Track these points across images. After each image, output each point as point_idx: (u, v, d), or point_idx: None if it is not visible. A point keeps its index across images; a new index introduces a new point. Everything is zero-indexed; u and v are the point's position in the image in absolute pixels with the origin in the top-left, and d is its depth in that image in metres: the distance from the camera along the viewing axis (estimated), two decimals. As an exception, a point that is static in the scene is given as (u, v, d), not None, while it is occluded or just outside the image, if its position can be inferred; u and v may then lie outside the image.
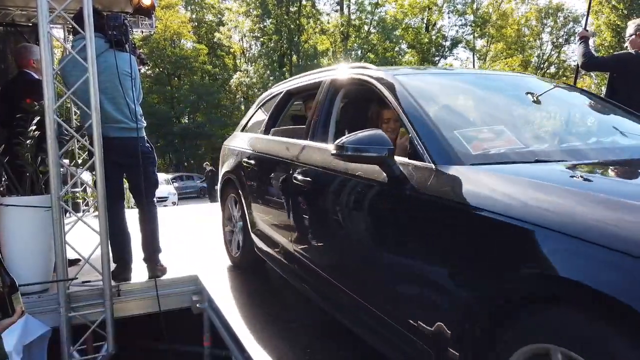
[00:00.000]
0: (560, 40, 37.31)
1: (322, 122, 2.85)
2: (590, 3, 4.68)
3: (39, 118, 3.50)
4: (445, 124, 2.06)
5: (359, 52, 35.11)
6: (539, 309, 1.39)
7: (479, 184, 1.67)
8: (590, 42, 4.34)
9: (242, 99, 38.72)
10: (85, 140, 3.55)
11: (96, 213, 3.63)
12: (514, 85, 2.88)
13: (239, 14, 36.90)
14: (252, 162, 3.58)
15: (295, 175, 2.79)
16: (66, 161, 3.81)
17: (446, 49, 38.78)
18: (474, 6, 38.52)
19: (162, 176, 19.33)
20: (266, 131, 3.69)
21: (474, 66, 37.89)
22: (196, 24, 39.21)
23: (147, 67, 31.09)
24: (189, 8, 39.31)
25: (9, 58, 6.01)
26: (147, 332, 3.86)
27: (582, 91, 3.08)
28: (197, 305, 3.77)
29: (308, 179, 2.67)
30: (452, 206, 1.68)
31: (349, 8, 38.52)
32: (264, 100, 4.16)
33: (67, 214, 3.86)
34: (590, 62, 4.30)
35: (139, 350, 4.07)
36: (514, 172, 1.71)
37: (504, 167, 1.78)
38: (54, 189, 3.37)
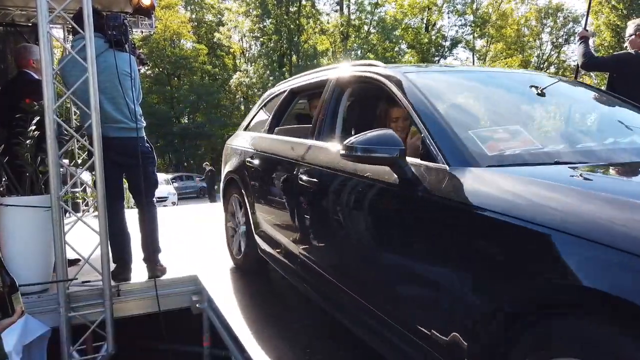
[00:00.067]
0: (560, 40, 37.33)
1: (328, 121, 2.77)
2: (590, 3, 4.67)
3: (38, 118, 3.50)
4: (458, 124, 1.97)
5: (359, 52, 35.09)
6: (562, 320, 1.32)
7: (498, 188, 1.58)
8: (590, 42, 4.33)
9: (241, 99, 38.73)
10: (85, 140, 3.55)
11: (96, 213, 3.63)
12: (526, 83, 2.74)
13: (238, 14, 36.89)
14: (256, 161, 3.51)
15: (300, 175, 2.72)
16: (66, 161, 3.81)
17: (446, 49, 38.80)
18: (474, 6, 38.53)
19: (161, 176, 19.35)
20: (270, 130, 3.61)
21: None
22: (196, 24, 39.22)
23: (146, 67, 31.06)
24: (189, 8, 39.34)
25: (8, 58, 6.01)
26: (147, 332, 3.86)
27: (595, 89, 2.98)
28: (197, 305, 3.77)
29: (314, 179, 2.60)
30: (469, 211, 1.59)
31: (349, 8, 38.53)
32: (267, 99, 4.07)
33: (67, 214, 3.86)
34: (590, 62, 4.30)
35: (139, 351, 4.07)
36: (534, 175, 1.61)
37: (523, 170, 1.69)
38: (53, 189, 3.36)
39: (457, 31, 39.73)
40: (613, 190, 1.45)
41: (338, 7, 38.65)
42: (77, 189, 6.42)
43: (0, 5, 5.65)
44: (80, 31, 3.41)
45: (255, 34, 37.18)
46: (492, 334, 1.48)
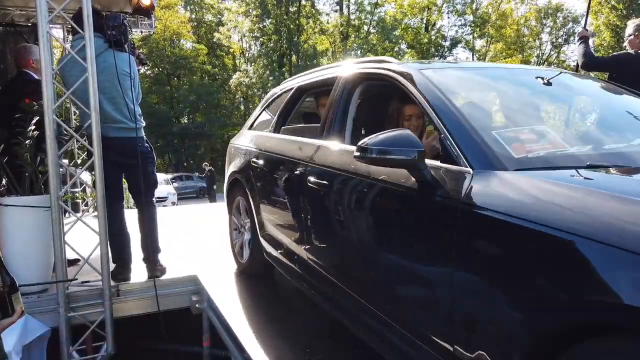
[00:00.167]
0: (560, 40, 37.36)
1: (338, 120, 2.64)
2: (589, 3, 4.67)
3: (38, 118, 3.49)
4: (480, 123, 1.85)
5: (359, 52, 35.10)
6: (601, 343, 1.21)
7: (529, 194, 1.47)
8: (590, 42, 4.33)
9: (241, 99, 38.76)
10: (85, 141, 3.55)
11: (95, 213, 3.63)
12: (552, 82, 2.61)
13: (238, 14, 36.92)
14: (262, 162, 3.36)
15: (309, 177, 2.59)
16: (65, 161, 3.81)
17: (445, 49, 38.81)
18: (474, 6, 38.56)
19: (161, 176, 19.34)
20: (276, 129, 3.48)
21: (473, 66, 37.85)
22: (195, 24, 39.24)
23: (146, 68, 31.00)
24: (189, 8, 39.35)
25: (8, 58, 6.01)
26: (146, 332, 3.86)
27: (616, 85, 2.82)
28: (197, 305, 3.76)
29: (324, 181, 2.46)
30: (498, 219, 1.45)
31: (349, 8, 38.55)
32: (273, 97, 3.93)
33: (67, 214, 3.86)
34: (590, 62, 4.30)
35: (139, 351, 4.07)
36: (571, 181, 1.49)
37: (555, 174, 1.56)
38: (53, 189, 3.36)
39: (456, 31, 39.81)
40: None
41: (338, 7, 38.68)
42: (76, 189, 6.42)
43: (-1, 5, 5.65)
44: (80, 31, 3.41)
45: (255, 34, 37.20)
46: (519, 355, 1.37)
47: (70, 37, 5.58)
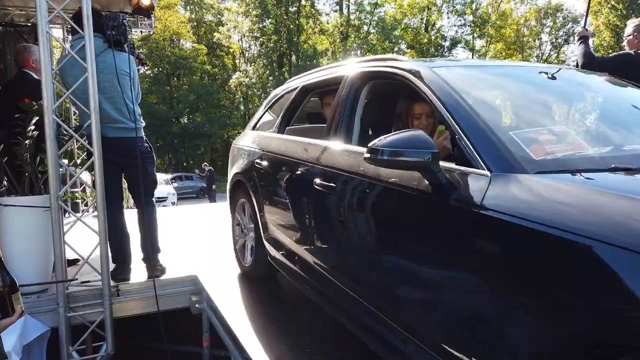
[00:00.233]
0: (560, 40, 37.39)
1: (345, 120, 2.55)
2: (589, 3, 4.65)
3: (37, 118, 3.49)
4: (497, 124, 1.77)
5: (358, 52, 35.10)
6: None
7: (555, 199, 1.39)
8: (590, 42, 4.31)
9: (241, 99, 38.76)
10: (84, 141, 3.55)
11: (95, 213, 3.63)
12: (566, 80, 2.55)
13: (238, 14, 36.94)
14: (265, 163, 3.26)
15: (315, 179, 2.50)
16: (65, 161, 3.81)
17: (445, 49, 38.81)
18: (473, 6, 38.57)
19: (161, 176, 19.34)
20: (280, 130, 3.39)
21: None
22: (195, 24, 39.24)
23: (146, 68, 31.04)
24: (188, 8, 39.34)
25: (8, 58, 6.01)
26: (146, 332, 3.86)
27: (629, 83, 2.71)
28: (196, 305, 3.76)
29: (331, 184, 2.38)
30: (522, 225, 1.37)
31: (349, 8, 38.57)
32: (277, 97, 3.84)
33: (66, 214, 3.86)
34: (590, 63, 4.27)
35: (138, 351, 4.07)
36: (595, 185, 1.42)
37: (579, 178, 1.50)
38: (52, 189, 3.36)
39: (456, 31, 39.84)
40: None
41: (338, 7, 38.69)
42: (76, 189, 6.42)
43: (-1, 5, 5.65)
44: (80, 31, 3.40)
45: (255, 34, 37.22)
46: None
47: (70, 37, 5.58)
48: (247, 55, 40.12)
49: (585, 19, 4.64)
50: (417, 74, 2.15)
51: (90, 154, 3.50)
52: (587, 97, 2.40)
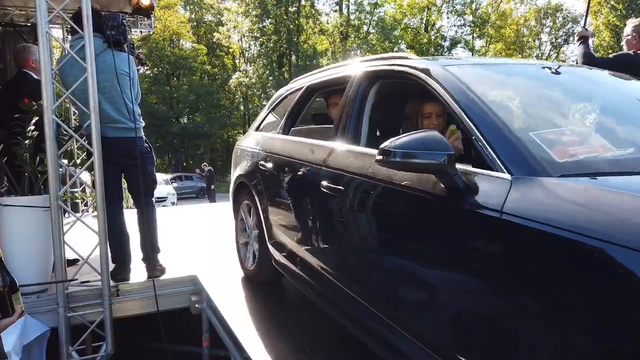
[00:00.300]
0: (559, 40, 37.42)
1: (353, 120, 2.48)
2: (589, 3, 4.64)
3: (37, 118, 3.49)
4: (516, 124, 1.70)
5: (358, 52, 35.12)
6: None
7: (584, 205, 1.31)
8: (590, 42, 4.30)
9: (241, 99, 38.78)
10: (84, 141, 3.55)
11: (95, 213, 3.63)
12: (586, 79, 2.48)
13: (238, 14, 36.95)
14: (270, 165, 3.18)
15: (322, 181, 2.42)
16: (65, 161, 3.81)
17: (445, 49, 38.83)
18: (473, 6, 38.60)
19: (161, 176, 19.34)
20: (285, 131, 3.31)
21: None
22: (195, 24, 39.25)
23: (145, 68, 31.07)
24: (188, 8, 39.35)
25: (8, 58, 6.01)
26: (146, 332, 3.86)
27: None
28: (196, 305, 3.76)
29: (339, 187, 2.29)
30: (549, 233, 1.28)
31: (348, 8, 38.58)
32: (281, 97, 3.76)
33: (66, 214, 3.86)
34: (590, 63, 4.27)
35: (138, 351, 4.07)
36: (627, 189, 1.33)
37: (607, 181, 1.42)
38: (52, 189, 3.36)
39: (456, 31, 39.87)
40: None
41: (337, 7, 38.70)
42: (76, 189, 6.42)
43: (-1, 5, 5.65)
44: (80, 31, 3.40)
45: (255, 34, 37.24)
46: None
47: (69, 37, 5.59)
48: (246, 55, 40.14)
49: (585, 19, 4.63)
50: (429, 72, 2.07)
51: (90, 154, 3.50)
52: (606, 95, 2.33)
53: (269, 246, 3.26)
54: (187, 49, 38.33)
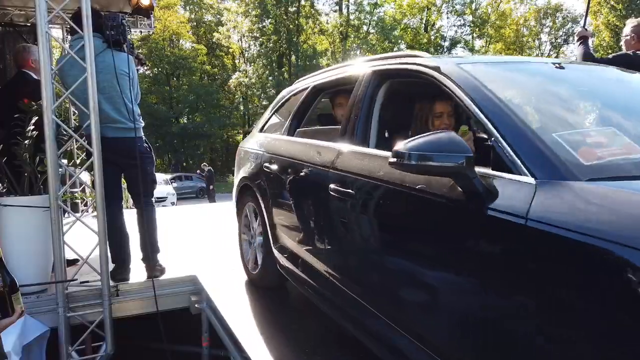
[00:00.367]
0: (559, 40, 37.43)
1: (362, 121, 2.40)
2: (588, 3, 4.64)
3: (37, 118, 3.49)
4: (539, 125, 1.61)
5: (358, 52, 35.14)
6: None
7: (618, 211, 1.23)
8: (590, 42, 4.30)
9: (241, 99, 38.79)
10: (84, 141, 3.55)
11: (94, 213, 3.63)
12: (606, 78, 2.40)
13: (237, 14, 36.98)
14: (275, 167, 3.10)
15: (331, 184, 2.34)
16: (64, 161, 3.81)
17: (445, 50, 38.85)
18: (473, 6, 38.63)
19: (161, 176, 19.34)
20: (290, 132, 3.23)
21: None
22: (195, 24, 39.26)
23: (145, 68, 31.10)
24: (188, 8, 39.36)
25: (7, 58, 6.01)
26: (146, 332, 3.86)
27: None
28: (196, 305, 3.76)
29: (348, 190, 2.21)
30: (581, 241, 1.20)
31: (348, 8, 38.60)
32: (285, 98, 3.68)
33: (66, 214, 3.86)
34: (589, 63, 4.27)
35: (138, 351, 4.07)
36: None
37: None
38: (52, 189, 3.36)
39: (456, 31, 39.90)
40: None
41: (337, 7, 38.71)
42: (76, 189, 6.42)
43: (-2, 5, 5.65)
44: (79, 31, 3.40)
45: (255, 34, 37.26)
46: None
47: (69, 37, 5.59)
48: (246, 55, 40.15)
49: (585, 19, 4.62)
50: (443, 71, 1.99)
51: (89, 154, 3.50)
52: (629, 93, 2.25)
53: (274, 250, 3.18)
54: (187, 49, 38.34)
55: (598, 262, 1.18)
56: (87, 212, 5.63)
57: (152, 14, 6.08)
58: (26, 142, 3.47)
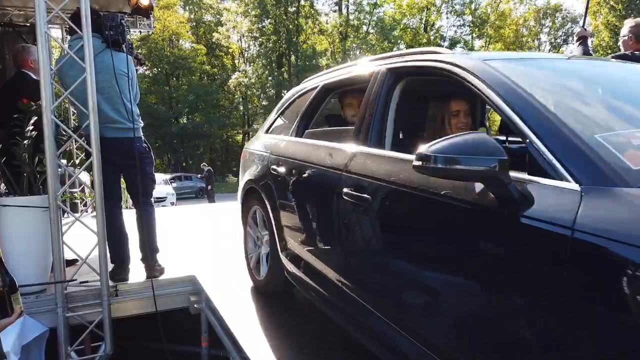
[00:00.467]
0: (559, 40, 37.46)
1: (377, 122, 2.27)
2: (588, 3, 4.64)
3: (36, 118, 3.49)
4: (579, 126, 1.47)
5: (358, 52, 35.16)
6: None
7: None
8: (589, 42, 4.30)
9: (240, 99, 38.78)
10: (83, 141, 3.55)
11: (94, 213, 3.63)
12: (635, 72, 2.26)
13: (237, 14, 36.98)
14: (283, 169, 2.97)
15: (344, 188, 2.21)
16: (64, 161, 3.81)
17: (444, 49, 38.87)
18: (473, 6, 38.65)
19: (160, 176, 19.34)
20: (298, 133, 3.11)
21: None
22: (194, 24, 39.26)
23: (144, 68, 31.12)
24: (188, 8, 39.36)
25: (7, 58, 6.02)
26: (145, 332, 3.86)
27: None
28: (195, 305, 3.76)
29: (364, 195, 2.07)
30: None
31: (348, 8, 38.61)
32: (293, 98, 3.55)
33: (65, 214, 3.86)
34: None
35: (137, 351, 4.07)
36: None
37: None
38: (51, 189, 3.36)
39: (455, 31, 39.94)
40: None
41: (337, 8, 38.72)
42: (75, 189, 6.42)
43: (-2, 5, 5.65)
44: (78, 31, 3.40)
45: (254, 34, 37.26)
46: None
47: (68, 37, 5.59)
48: (246, 55, 40.15)
49: (584, 19, 4.62)
50: (468, 68, 1.85)
51: (88, 154, 3.50)
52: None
53: (282, 256, 3.07)
54: (187, 49, 38.35)
55: None
56: (87, 212, 5.63)
57: (151, 14, 6.07)
58: (25, 142, 3.47)
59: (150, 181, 3.82)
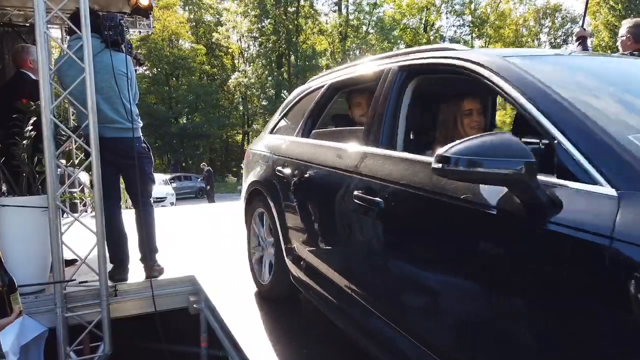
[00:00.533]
0: (558, 40, 37.48)
1: (388, 122, 2.18)
2: (587, 2, 4.64)
3: (35, 118, 3.49)
4: (611, 126, 1.37)
5: (357, 52, 35.18)
6: None
7: None
8: (588, 42, 4.30)
9: (240, 99, 38.80)
10: (82, 141, 3.55)
11: (93, 213, 3.63)
12: None
13: (237, 14, 37.02)
14: (288, 171, 2.88)
15: (355, 191, 2.12)
16: (63, 161, 3.81)
17: (444, 50, 38.91)
18: (472, 7, 38.67)
19: (160, 176, 19.34)
20: (304, 133, 3.02)
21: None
22: (194, 24, 39.27)
23: (144, 68, 31.11)
24: (187, 8, 39.37)
25: (6, 58, 6.01)
26: (144, 332, 3.86)
27: None
28: (194, 305, 3.76)
29: (376, 198, 1.98)
30: None
31: (347, 8, 38.62)
32: (298, 97, 3.45)
33: (64, 215, 3.86)
34: None
35: (136, 351, 4.07)
36: None
37: None
38: (50, 189, 3.36)
39: (455, 31, 39.95)
40: None
41: (336, 8, 38.74)
42: (74, 189, 6.42)
43: (-3, 5, 5.65)
44: (77, 31, 3.40)
45: (254, 34, 37.29)
46: None
47: (67, 37, 5.59)
48: (246, 55, 40.16)
49: (584, 19, 4.62)
50: (489, 65, 1.75)
51: (88, 154, 3.50)
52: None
53: (287, 261, 2.97)
54: (186, 49, 38.36)
55: None
56: (86, 212, 5.64)
57: (151, 14, 6.06)
58: (24, 142, 3.47)
59: (150, 181, 3.82)
